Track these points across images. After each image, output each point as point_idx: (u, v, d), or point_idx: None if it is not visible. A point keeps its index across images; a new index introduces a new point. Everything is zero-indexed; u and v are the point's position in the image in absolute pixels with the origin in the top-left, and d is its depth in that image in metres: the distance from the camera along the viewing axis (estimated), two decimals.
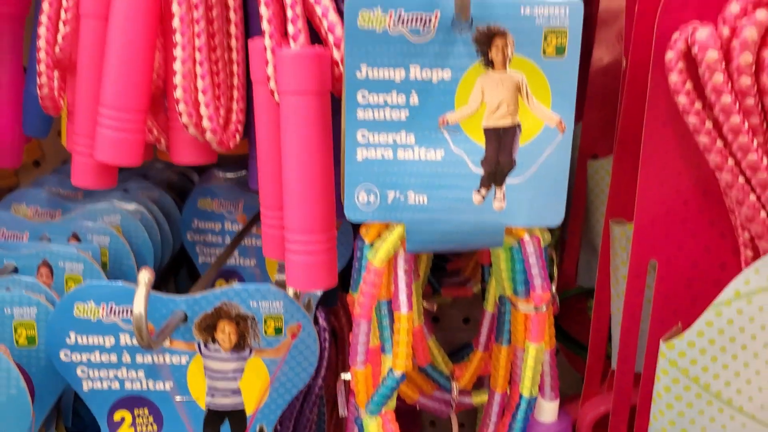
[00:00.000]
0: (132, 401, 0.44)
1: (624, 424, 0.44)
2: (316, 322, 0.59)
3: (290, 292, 0.43)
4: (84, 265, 0.49)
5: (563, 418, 0.40)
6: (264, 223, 0.43)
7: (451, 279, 0.69)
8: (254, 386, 0.43)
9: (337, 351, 0.67)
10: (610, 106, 0.49)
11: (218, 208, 0.60)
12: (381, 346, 0.39)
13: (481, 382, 0.54)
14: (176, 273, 0.67)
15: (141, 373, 0.43)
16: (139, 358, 0.43)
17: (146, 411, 0.44)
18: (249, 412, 0.44)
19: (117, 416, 0.44)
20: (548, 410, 0.40)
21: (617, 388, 0.43)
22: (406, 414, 0.42)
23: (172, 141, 0.46)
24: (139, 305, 0.38)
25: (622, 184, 0.45)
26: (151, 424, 0.44)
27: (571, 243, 0.57)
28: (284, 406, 0.44)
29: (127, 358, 0.43)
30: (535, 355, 0.38)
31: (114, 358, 0.43)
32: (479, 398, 0.50)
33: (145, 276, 0.38)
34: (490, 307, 0.48)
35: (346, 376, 0.42)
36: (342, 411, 0.42)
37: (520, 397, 0.39)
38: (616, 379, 0.43)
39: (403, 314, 0.37)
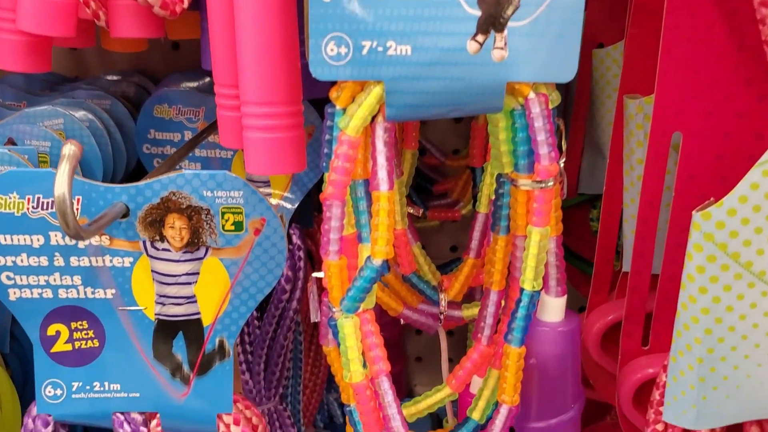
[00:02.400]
0: (68, 312, 0.37)
1: (639, 331, 0.38)
2: (289, 240, 0.53)
3: None
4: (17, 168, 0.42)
5: (571, 317, 0.35)
6: (219, 104, 0.36)
7: (438, 201, 0.63)
8: (212, 292, 0.37)
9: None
10: None
11: (176, 115, 0.53)
12: (357, 235, 0.33)
13: (471, 296, 0.48)
14: None
15: (77, 279, 0.37)
16: (74, 261, 0.37)
17: (85, 324, 0.38)
18: (206, 322, 0.38)
19: (51, 330, 0.38)
20: (554, 308, 0.34)
21: (632, 289, 0.38)
22: (388, 344, 0.36)
23: (112, 12, 0.40)
24: (61, 185, 0.31)
25: (637, 56, 0.38)
26: (92, 339, 0.38)
27: (572, 144, 0.51)
28: (247, 315, 0.38)
29: (59, 260, 0.37)
30: (538, 240, 0.32)
31: (44, 260, 0.36)
32: (470, 311, 0.44)
33: (69, 149, 0.32)
34: (482, 207, 0.42)
35: (318, 274, 0.36)
36: (314, 315, 0.36)
37: (521, 292, 0.33)
38: (630, 280, 0.38)
39: (383, 193, 0.31)
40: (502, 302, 0.36)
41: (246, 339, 0.55)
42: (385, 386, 0.33)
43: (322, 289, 0.35)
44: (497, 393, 0.35)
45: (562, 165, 0.33)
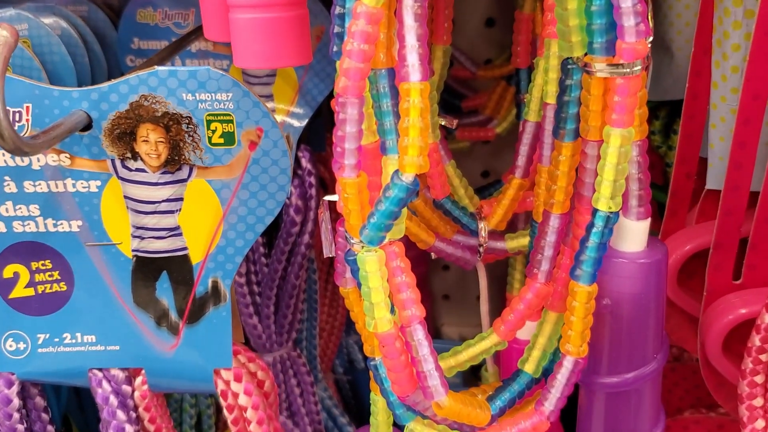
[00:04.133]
0: (26, 250, 0.30)
1: (730, 262, 0.31)
2: (298, 164, 0.46)
3: None
4: None
5: (655, 246, 0.27)
6: None
7: (469, 119, 0.55)
8: (200, 222, 0.30)
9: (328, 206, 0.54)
10: None
11: (163, 20, 0.45)
12: (380, 144, 0.26)
13: (514, 226, 0.41)
14: None
15: (34, 209, 0.30)
16: (29, 187, 0.30)
17: (48, 263, 0.31)
18: (196, 259, 0.31)
19: (7, 272, 0.31)
20: (634, 234, 0.27)
21: (724, 210, 0.30)
22: None
23: None
24: None
25: None
26: (57, 282, 0.31)
27: None
28: (245, 250, 0.30)
29: (11, 186, 0.29)
30: (619, 145, 0.24)
31: None
32: (515, 242, 0.37)
33: (1, 33, 0.24)
34: (532, 114, 0.34)
35: (331, 197, 0.28)
36: (327, 250, 0.29)
37: (594, 214, 0.25)
38: (723, 198, 0.30)
39: (414, 85, 0.23)
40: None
41: (253, 279, 0.48)
42: (419, 336, 0.26)
43: (337, 217, 0.28)
44: (561, 342, 0.28)
45: (650, 45, 0.25)
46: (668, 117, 0.44)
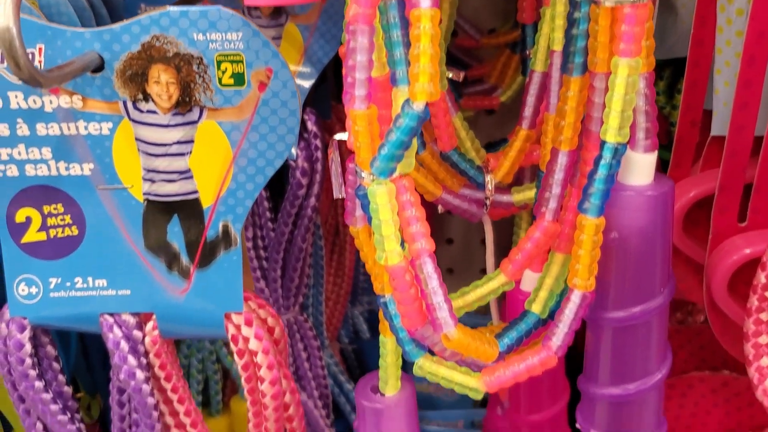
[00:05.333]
0: (38, 194, 0.31)
1: (735, 204, 0.31)
2: (304, 126, 0.46)
3: None
4: None
5: (662, 180, 0.28)
6: None
7: (474, 88, 0.55)
8: (211, 165, 0.30)
9: None
10: None
11: None
12: (391, 76, 0.26)
13: (520, 181, 0.41)
14: None
15: (47, 152, 0.30)
16: (41, 130, 0.30)
17: (60, 207, 0.31)
18: (207, 203, 0.31)
19: (20, 216, 0.31)
20: (641, 166, 0.27)
21: (729, 152, 0.30)
22: None
23: None
24: (5, 14, 0.24)
25: None
26: (69, 226, 0.31)
27: None
28: (255, 194, 0.31)
29: (23, 129, 0.30)
30: (626, 75, 0.24)
31: (5, 129, 0.30)
32: (521, 195, 0.37)
33: None
34: (539, 64, 0.35)
35: (341, 135, 0.29)
36: (337, 191, 0.29)
37: (602, 146, 0.25)
38: (728, 140, 0.30)
39: (424, 11, 0.23)
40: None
41: (260, 244, 0.48)
42: (429, 269, 0.27)
43: (346, 157, 0.28)
44: (568, 277, 0.28)
45: None
46: (672, 77, 0.45)
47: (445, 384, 0.30)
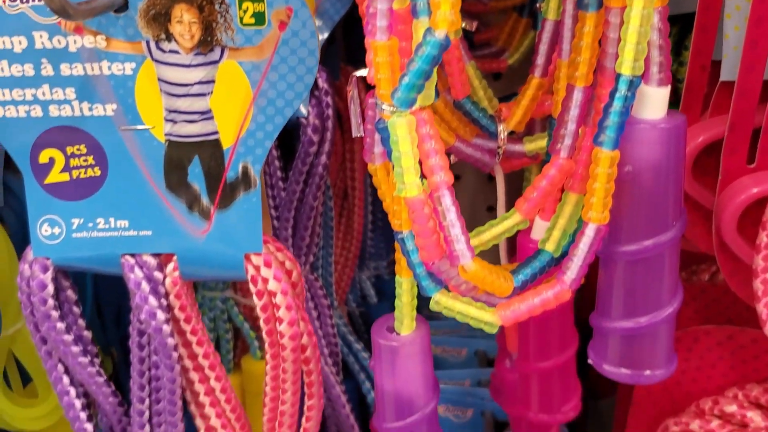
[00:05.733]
0: (62, 134, 0.31)
1: (744, 145, 0.32)
2: (315, 84, 0.47)
3: None
4: None
5: (675, 114, 0.28)
6: None
7: (481, 51, 0.55)
8: (231, 105, 0.31)
9: (343, 138, 0.55)
10: None
11: None
12: (411, 8, 0.26)
13: (531, 132, 0.42)
14: None
15: (70, 92, 0.31)
16: (65, 70, 0.30)
17: (83, 148, 0.32)
18: (227, 144, 0.32)
19: (43, 157, 0.32)
20: (655, 100, 0.28)
21: (739, 92, 0.31)
22: None
23: None
24: None
25: None
26: (92, 167, 0.32)
27: None
28: (274, 135, 0.31)
29: (48, 69, 0.30)
30: (642, 7, 0.25)
31: (29, 69, 0.30)
32: (534, 144, 0.38)
33: None
34: (551, 12, 0.35)
35: (360, 72, 0.29)
36: (356, 129, 0.30)
37: (618, 79, 0.26)
38: (738, 80, 0.31)
39: None
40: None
41: (271, 203, 0.49)
42: (447, 201, 0.27)
43: (367, 90, 0.28)
44: (583, 211, 0.29)
45: None
46: (679, 34, 0.45)
47: (461, 318, 0.30)
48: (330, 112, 0.47)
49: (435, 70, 0.26)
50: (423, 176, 0.27)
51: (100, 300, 0.50)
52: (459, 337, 0.59)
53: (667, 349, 0.30)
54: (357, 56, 0.47)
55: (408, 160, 0.27)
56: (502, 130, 0.37)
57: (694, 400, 0.46)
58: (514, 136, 0.38)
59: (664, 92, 0.28)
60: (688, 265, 0.53)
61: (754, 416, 0.43)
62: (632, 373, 0.30)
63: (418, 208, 0.27)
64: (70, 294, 0.35)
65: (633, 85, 0.26)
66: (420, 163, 0.27)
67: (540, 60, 0.36)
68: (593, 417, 0.63)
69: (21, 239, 0.41)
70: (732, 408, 0.43)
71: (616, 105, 0.26)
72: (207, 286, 0.51)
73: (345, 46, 0.54)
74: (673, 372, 0.31)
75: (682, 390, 0.47)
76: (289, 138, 0.50)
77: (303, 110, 0.46)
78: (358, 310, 0.61)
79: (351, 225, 0.58)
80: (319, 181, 0.48)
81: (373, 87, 0.28)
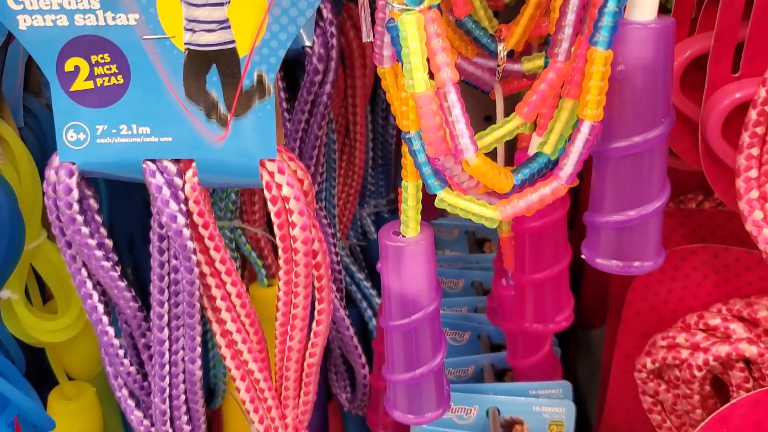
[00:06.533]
0: (87, 43, 0.33)
1: (729, 54, 0.34)
2: (319, 15, 0.48)
3: None
4: None
5: (663, 16, 0.30)
6: None
7: None
8: (247, 15, 0.33)
9: (345, 74, 0.57)
10: None
11: None
12: None
13: (529, 50, 0.44)
14: None
15: (95, 2, 0.32)
16: None
17: (107, 57, 0.33)
18: (243, 53, 0.33)
19: (69, 65, 0.33)
20: (646, 2, 0.30)
21: (726, 2, 0.33)
22: None
23: None
24: None
25: None
26: (115, 75, 0.34)
27: None
28: (288, 44, 0.33)
29: None
30: None
31: None
32: (531, 64, 0.40)
33: None
34: None
35: None
36: (366, 34, 0.32)
37: None
38: None
39: None
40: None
41: None
42: (453, 98, 0.29)
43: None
44: (579, 109, 0.31)
45: None
46: None
47: (464, 215, 0.33)
48: (334, 41, 0.49)
49: None
50: (430, 75, 0.29)
51: (114, 227, 0.52)
52: (457, 269, 0.61)
53: (656, 242, 0.33)
54: None
55: (417, 55, 0.29)
56: (502, 49, 0.39)
57: (680, 317, 0.48)
58: (513, 58, 0.40)
59: None
60: (675, 196, 0.55)
61: (737, 328, 0.45)
62: (623, 265, 0.33)
63: (426, 104, 0.29)
64: (93, 203, 0.37)
65: None
66: (428, 61, 0.29)
67: None
68: (584, 346, 0.66)
69: (40, 159, 0.43)
70: (716, 321, 0.46)
71: (610, 5, 0.28)
72: (216, 215, 0.53)
73: None
74: (660, 264, 0.33)
75: (669, 308, 0.49)
76: (291, 72, 0.52)
77: (307, 40, 0.48)
78: (358, 246, 0.63)
79: (352, 161, 0.60)
80: (323, 110, 0.50)
81: None
